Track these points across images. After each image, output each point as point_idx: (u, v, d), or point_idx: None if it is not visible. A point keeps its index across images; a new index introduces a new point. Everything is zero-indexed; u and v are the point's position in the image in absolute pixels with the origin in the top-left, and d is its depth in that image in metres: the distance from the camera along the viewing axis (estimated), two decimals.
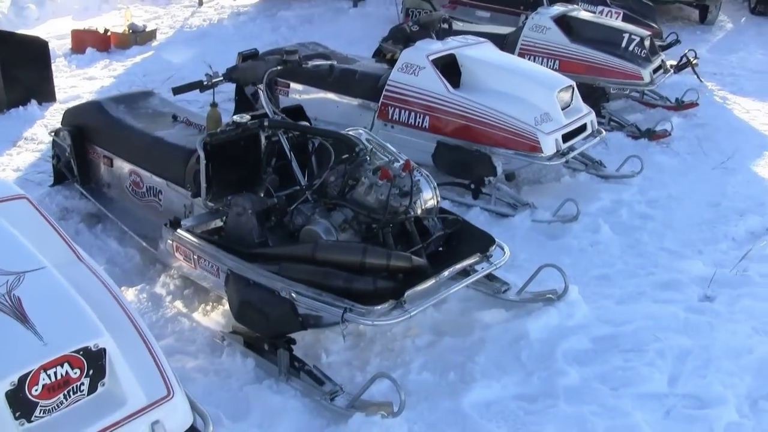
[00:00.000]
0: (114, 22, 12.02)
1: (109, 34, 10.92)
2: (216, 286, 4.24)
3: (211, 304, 4.53)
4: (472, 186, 5.97)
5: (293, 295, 3.76)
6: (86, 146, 5.49)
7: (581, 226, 5.64)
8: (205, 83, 4.49)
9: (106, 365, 2.68)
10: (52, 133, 5.76)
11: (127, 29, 11.13)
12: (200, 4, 14.29)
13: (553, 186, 6.40)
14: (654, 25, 10.09)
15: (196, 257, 4.26)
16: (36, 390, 2.52)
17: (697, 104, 8.60)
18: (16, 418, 2.48)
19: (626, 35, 8.14)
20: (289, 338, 3.93)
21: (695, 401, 3.85)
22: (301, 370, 3.86)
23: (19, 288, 2.77)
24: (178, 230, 4.34)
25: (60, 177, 5.79)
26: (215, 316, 4.41)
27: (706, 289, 4.93)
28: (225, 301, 4.29)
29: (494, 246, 4.31)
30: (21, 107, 7.82)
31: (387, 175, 4.09)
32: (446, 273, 4.03)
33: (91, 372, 2.65)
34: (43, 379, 2.54)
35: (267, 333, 3.95)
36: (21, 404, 2.49)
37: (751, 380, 4.02)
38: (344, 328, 3.70)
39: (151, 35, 11.46)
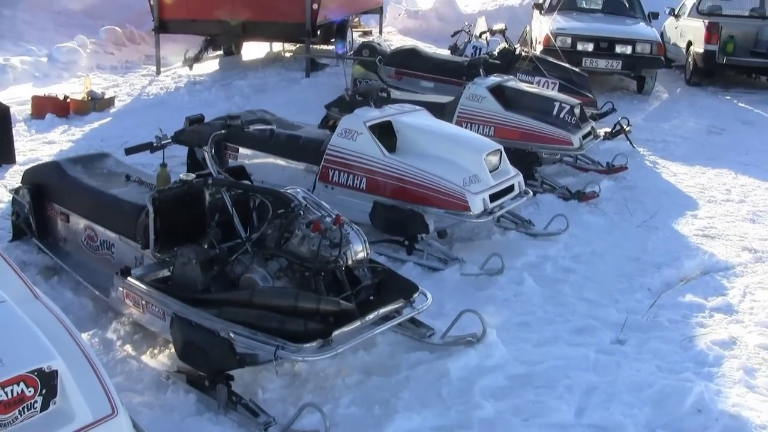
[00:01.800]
0: (73, 90, 12.43)
1: (68, 100, 11.32)
2: (162, 330, 4.59)
3: (158, 347, 4.88)
4: (406, 243, 6.37)
5: (231, 335, 4.14)
6: (44, 203, 5.85)
7: (507, 279, 6.07)
8: (154, 144, 4.92)
9: (57, 385, 3.04)
10: (12, 191, 6.13)
11: (86, 96, 11.54)
12: (158, 72, 14.76)
13: (484, 243, 6.83)
14: (588, 94, 10.66)
15: (144, 303, 4.63)
16: None
17: (626, 168, 9.14)
18: None
19: (557, 103, 8.69)
20: (227, 375, 4.28)
21: (598, 430, 4.26)
22: (238, 404, 4.21)
23: None
24: (128, 278, 4.71)
25: (18, 233, 6.13)
26: (161, 358, 4.77)
27: (618, 334, 5.35)
28: (170, 345, 4.67)
29: (417, 293, 4.73)
30: None
31: (318, 228, 4.52)
32: (372, 316, 4.43)
33: (44, 391, 3.00)
34: (0, 396, 2.90)
35: (208, 370, 4.31)
36: None
37: (650, 411, 4.41)
38: (277, 364, 4.12)
39: (110, 102, 11.88)
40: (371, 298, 4.69)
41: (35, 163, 6.97)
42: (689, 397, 4.50)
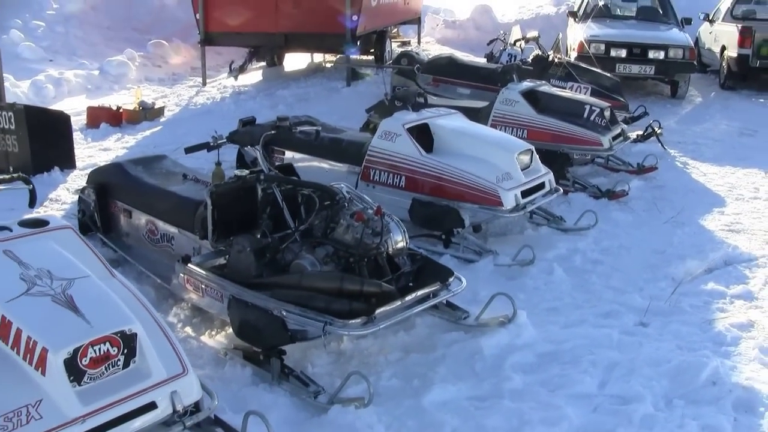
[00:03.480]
0: (124, 100, 13.03)
1: (121, 110, 11.93)
2: (220, 311, 5.06)
3: (215, 329, 5.35)
4: (443, 237, 6.79)
5: (284, 313, 4.60)
6: (108, 201, 6.35)
7: (537, 269, 6.46)
8: (211, 144, 5.40)
9: (136, 346, 3.51)
10: (78, 191, 6.65)
11: (137, 106, 12.13)
12: (204, 84, 15.34)
13: (517, 238, 7.22)
14: (620, 98, 10.99)
15: (203, 287, 5.10)
16: (85, 361, 3.34)
17: (656, 168, 9.47)
18: (71, 381, 3.30)
19: (587, 106, 9.07)
20: (280, 350, 4.73)
21: (619, 400, 4.63)
22: (290, 375, 4.66)
23: (71, 289, 3.61)
24: (189, 265, 5.19)
25: (84, 229, 6.62)
26: (219, 338, 5.23)
27: (641, 317, 5.71)
28: (227, 326, 5.16)
29: (453, 277, 5.16)
30: (45, 173, 8.75)
31: (361, 218, 4.96)
32: (410, 297, 4.87)
33: (125, 351, 3.47)
34: (91, 353, 3.36)
35: (262, 346, 4.76)
36: (74, 371, 3.30)
37: (667, 383, 4.78)
38: (325, 338, 4.55)
39: (160, 112, 12.45)
40: (411, 284, 5.11)
41: (99, 165, 7.48)
42: (705, 371, 4.85)
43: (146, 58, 17.13)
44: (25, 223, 4.10)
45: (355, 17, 14.48)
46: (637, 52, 14.11)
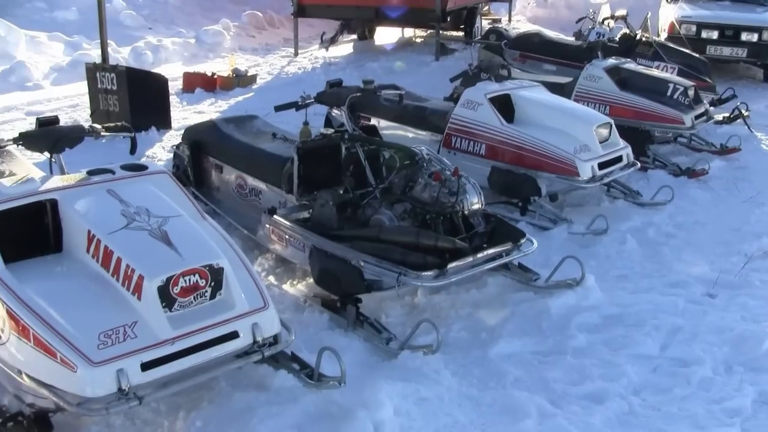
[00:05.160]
0: (218, 68, 13.46)
1: (215, 77, 12.36)
2: (302, 261, 5.37)
3: (296, 279, 5.67)
4: (520, 204, 6.98)
5: (361, 263, 4.89)
6: (201, 157, 6.72)
7: (610, 239, 6.60)
8: (299, 103, 5.70)
9: (222, 280, 3.83)
10: (174, 147, 7.03)
11: (231, 73, 12.55)
12: (296, 54, 15.71)
13: (593, 209, 7.35)
14: (707, 79, 10.95)
15: (287, 237, 5.42)
16: (176, 289, 3.67)
17: (739, 149, 9.43)
18: (163, 307, 3.63)
19: (671, 85, 9.09)
20: (356, 298, 5.02)
21: (678, 362, 4.79)
22: (365, 322, 4.95)
23: (166, 225, 3.96)
24: (275, 216, 5.51)
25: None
26: (299, 287, 5.55)
27: (710, 289, 5.84)
28: (307, 276, 5.48)
29: (524, 238, 5.37)
30: (143, 132, 9.20)
31: (439, 177, 5.21)
32: (482, 254, 5.11)
33: (212, 283, 3.80)
34: (181, 283, 3.69)
35: (340, 294, 5.06)
36: (166, 297, 3.64)
37: (729, 350, 4.92)
38: (399, 288, 4.82)
39: (252, 79, 12.86)
40: (484, 245, 5.33)
41: (194, 123, 7.89)
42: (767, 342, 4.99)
43: (241, 28, 17.59)
44: (126, 167, 4.47)
45: None
46: (730, 34, 13.90)
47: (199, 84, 12.13)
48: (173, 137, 9.14)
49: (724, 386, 4.57)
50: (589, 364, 4.71)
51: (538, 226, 6.83)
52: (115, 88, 9.29)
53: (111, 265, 3.78)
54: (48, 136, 4.51)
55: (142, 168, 4.50)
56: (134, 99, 9.19)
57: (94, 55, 13.58)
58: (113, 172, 4.39)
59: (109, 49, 13.90)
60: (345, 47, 16.73)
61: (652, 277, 6.01)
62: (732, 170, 8.96)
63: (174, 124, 9.84)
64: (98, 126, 4.76)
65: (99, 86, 9.46)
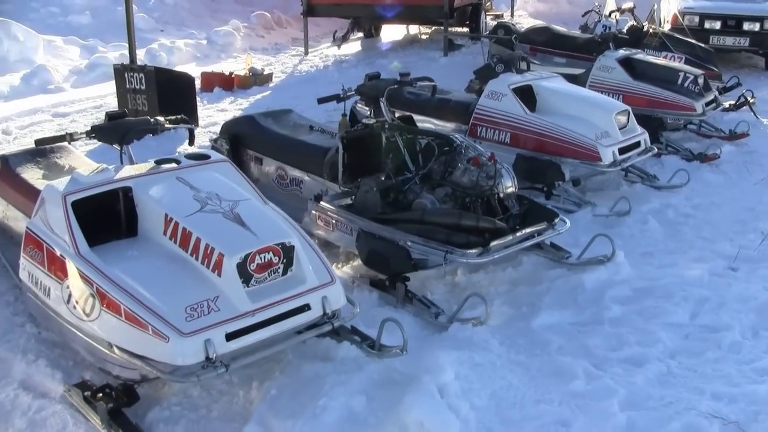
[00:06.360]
0: (232, 68, 13.77)
1: (233, 76, 12.67)
2: (348, 244, 5.69)
3: (341, 262, 6.00)
4: (545, 189, 7.30)
5: (408, 243, 5.22)
6: (240, 150, 7.02)
7: (633, 220, 6.93)
8: (341, 95, 6.02)
9: (294, 257, 4.15)
10: (212, 141, 7.34)
11: (248, 72, 12.85)
12: (306, 53, 16.02)
13: (613, 193, 7.67)
14: (714, 68, 11.27)
15: (334, 222, 5.74)
16: (253, 266, 3.99)
17: (747, 135, 9.75)
18: (242, 282, 3.95)
19: (682, 73, 9.43)
20: (404, 276, 5.34)
21: (708, 329, 5.13)
22: (414, 298, 5.28)
23: (237, 208, 4.28)
24: (321, 202, 5.83)
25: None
26: (345, 269, 5.88)
27: (731, 263, 6.15)
28: (351, 259, 5.82)
29: (558, 218, 5.70)
30: (172, 130, 9.47)
31: (477, 162, 5.54)
32: (520, 233, 5.43)
33: (284, 260, 4.12)
34: (257, 260, 4.01)
35: (388, 273, 5.38)
36: (244, 273, 3.96)
37: (755, 317, 5.25)
38: (446, 266, 5.15)
39: (269, 78, 13.18)
40: (517, 226, 5.65)
41: (232, 117, 8.23)
42: None
43: (250, 28, 17.92)
44: (190, 156, 4.79)
45: None
46: (732, 24, 14.19)
47: (217, 83, 12.44)
48: (201, 134, 9.45)
49: (752, 349, 4.90)
50: (625, 332, 5.04)
51: (563, 210, 7.10)
52: (143, 87, 9.59)
53: (189, 245, 4.10)
54: (118, 128, 4.83)
55: (205, 157, 4.83)
56: (162, 98, 9.49)
57: (111, 57, 13.95)
58: (179, 162, 4.71)
59: (125, 52, 14.30)
60: (353, 45, 17.07)
61: (675, 254, 6.34)
62: (742, 155, 9.28)
63: (200, 122, 10.13)
64: (161, 119, 5.08)
65: (128, 86, 9.76)
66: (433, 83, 6.57)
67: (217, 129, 9.12)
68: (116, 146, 4.82)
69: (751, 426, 4.12)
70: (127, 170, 4.58)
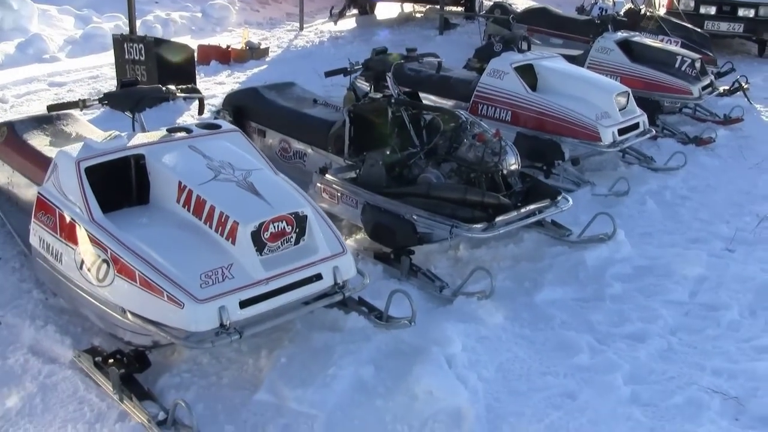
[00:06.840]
0: (228, 41, 13.73)
1: (229, 49, 12.65)
2: (353, 216, 5.74)
3: (344, 235, 5.96)
4: (545, 168, 7.35)
5: (414, 217, 5.27)
6: (243, 122, 7.01)
7: (631, 200, 7.02)
8: (348, 69, 6.05)
9: (306, 226, 4.19)
10: (214, 113, 7.36)
11: (245, 46, 12.83)
12: (301, 28, 15.99)
13: (610, 173, 7.75)
14: (709, 53, 11.35)
15: (339, 194, 5.78)
16: (266, 235, 4.03)
17: (742, 119, 9.84)
18: (256, 250, 3.99)
19: (679, 57, 9.50)
20: (409, 250, 5.40)
21: (708, 307, 5.23)
22: (418, 272, 5.33)
23: (251, 177, 4.32)
24: (326, 175, 5.87)
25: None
26: (350, 242, 5.90)
27: (728, 245, 6.25)
28: (355, 233, 5.87)
29: (560, 196, 5.76)
30: (171, 101, 9.45)
31: (482, 138, 5.59)
32: (524, 209, 5.49)
33: (297, 230, 4.16)
34: (271, 229, 4.04)
35: (393, 246, 5.44)
36: (258, 242, 4.00)
37: (752, 296, 5.36)
38: (451, 240, 5.21)
39: (265, 52, 13.15)
40: (519, 204, 5.70)
41: (234, 89, 8.23)
42: None
43: (245, 2, 17.85)
44: (201, 126, 4.82)
45: None
46: (727, 10, 14.27)
47: (213, 56, 12.40)
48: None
49: (751, 327, 5.01)
50: (626, 308, 5.14)
51: (561, 189, 7.17)
52: (143, 58, 9.57)
53: (204, 213, 4.13)
54: (130, 96, 4.84)
55: (216, 126, 4.86)
56: (162, 69, 9.47)
57: (106, 28, 13.88)
58: (191, 130, 4.73)
59: (120, 23, 14.28)
60: (349, 21, 17.02)
61: (673, 234, 6.43)
62: (736, 139, 9.37)
63: None
64: (173, 87, 5.10)
65: (126, 57, 9.74)
66: (438, 59, 6.61)
67: (215, 102, 9.22)
68: (128, 114, 4.83)
69: (750, 401, 4.23)
70: (140, 138, 4.60)
